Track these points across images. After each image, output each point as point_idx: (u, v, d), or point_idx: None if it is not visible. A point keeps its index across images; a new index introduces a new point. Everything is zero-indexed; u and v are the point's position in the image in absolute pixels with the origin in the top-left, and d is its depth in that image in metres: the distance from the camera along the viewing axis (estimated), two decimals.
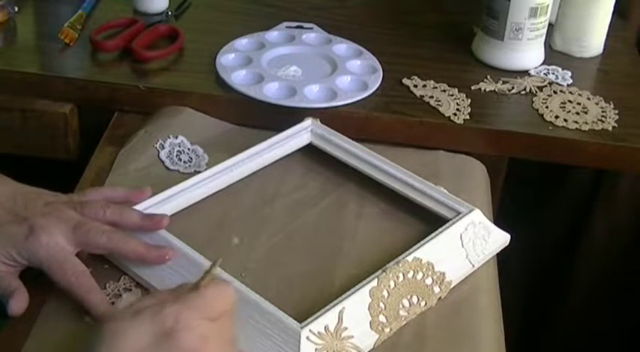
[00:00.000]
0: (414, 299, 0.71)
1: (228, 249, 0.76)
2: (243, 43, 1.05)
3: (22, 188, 0.74)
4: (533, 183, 1.24)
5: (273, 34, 1.08)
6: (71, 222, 0.70)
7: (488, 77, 1.03)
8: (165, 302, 0.53)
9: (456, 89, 1.00)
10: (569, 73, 1.05)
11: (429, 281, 0.72)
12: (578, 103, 1.00)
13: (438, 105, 0.97)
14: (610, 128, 0.96)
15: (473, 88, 1.01)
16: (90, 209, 0.72)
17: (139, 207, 0.76)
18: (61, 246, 0.69)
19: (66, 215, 0.70)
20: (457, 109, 0.96)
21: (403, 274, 0.71)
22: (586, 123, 0.96)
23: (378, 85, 0.99)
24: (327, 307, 0.67)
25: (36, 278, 0.69)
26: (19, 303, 0.68)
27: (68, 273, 0.68)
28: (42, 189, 0.74)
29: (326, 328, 0.65)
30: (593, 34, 1.09)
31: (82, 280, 0.68)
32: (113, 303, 0.69)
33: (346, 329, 0.66)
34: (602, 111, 0.98)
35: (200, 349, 0.52)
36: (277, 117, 0.92)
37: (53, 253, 0.68)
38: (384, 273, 0.70)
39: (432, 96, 0.98)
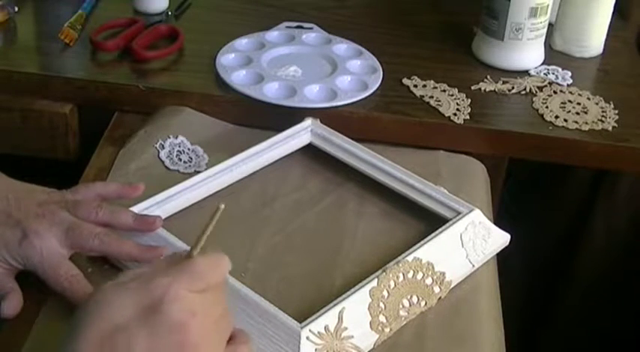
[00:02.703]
0: (414, 299, 0.71)
1: (227, 249, 0.76)
2: (243, 43, 1.05)
3: (13, 185, 0.73)
4: (533, 183, 1.24)
5: (273, 34, 1.07)
6: (64, 225, 0.69)
7: (488, 77, 1.03)
8: (154, 273, 0.51)
9: (456, 89, 1.00)
10: (569, 73, 1.05)
11: (429, 281, 0.72)
12: (578, 103, 1.00)
13: (438, 105, 0.97)
14: (610, 128, 0.96)
15: (473, 88, 1.01)
16: (83, 210, 0.71)
17: (138, 206, 0.76)
18: (54, 250, 0.68)
19: (59, 217, 0.70)
20: (457, 109, 0.96)
21: (403, 274, 0.71)
22: (586, 123, 0.96)
23: (378, 85, 0.99)
24: (327, 307, 0.67)
25: (36, 278, 0.69)
26: (11, 305, 0.68)
27: (62, 278, 0.68)
28: (34, 186, 0.74)
29: (326, 328, 0.65)
30: (593, 34, 1.09)
31: (76, 284, 0.68)
32: None
33: (346, 329, 0.66)
34: (602, 111, 0.98)
35: (187, 323, 0.49)
36: (277, 117, 0.92)
37: (47, 258, 0.68)
38: (384, 273, 0.70)
39: (432, 96, 0.98)
